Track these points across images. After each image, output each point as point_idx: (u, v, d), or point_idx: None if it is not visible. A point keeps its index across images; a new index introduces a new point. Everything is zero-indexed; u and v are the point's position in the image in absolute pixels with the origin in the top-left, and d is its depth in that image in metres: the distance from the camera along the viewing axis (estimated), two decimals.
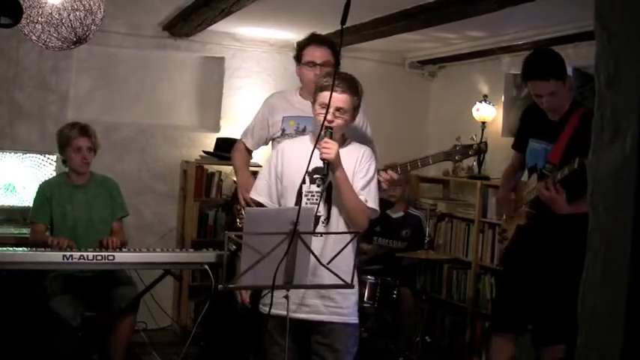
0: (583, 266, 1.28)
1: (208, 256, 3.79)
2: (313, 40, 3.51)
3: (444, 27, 4.79)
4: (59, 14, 3.01)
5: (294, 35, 5.68)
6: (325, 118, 2.74)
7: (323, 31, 5.32)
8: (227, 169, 5.44)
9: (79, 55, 5.28)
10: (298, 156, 2.95)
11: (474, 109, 5.58)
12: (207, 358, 4.74)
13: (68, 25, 3.02)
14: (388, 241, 5.24)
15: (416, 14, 4.38)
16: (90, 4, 3.05)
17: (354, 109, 2.97)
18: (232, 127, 5.65)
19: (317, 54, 3.45)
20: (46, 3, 3.00)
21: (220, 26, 5.16)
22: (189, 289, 5.53)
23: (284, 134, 3.49)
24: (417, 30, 4.84)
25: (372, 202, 2.96)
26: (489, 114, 5.54)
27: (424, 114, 6.58)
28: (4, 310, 4.16)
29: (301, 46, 3.53)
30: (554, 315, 3.40)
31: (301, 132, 3.42)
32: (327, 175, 2.79)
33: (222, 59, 5.84)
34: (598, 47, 1.27)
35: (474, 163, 5.59)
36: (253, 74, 5.89)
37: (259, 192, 3.08)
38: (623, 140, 1.18)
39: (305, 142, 3.04)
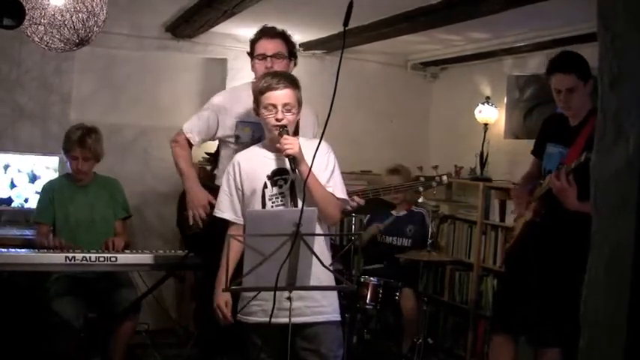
0: (585, 269, 1.27)
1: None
2: (264, 32, 3.47)
3: (447, 29, 4.79)
4: (62, 16, 3.01)
5: (297, 36, 5.67)
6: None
7: (325, 33, 5.35)
8: None
9: (82, 56, 5.28)
10: (254, 164, 3.01)
11: (476, 111, 5.57)
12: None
13: (71, 27, 3.03)
14: (393, 239, 5.25)
15: (418, 16, 4.37)
16: (92, 6, 3.05)
17: (299, 104, 2.97)
18: None
19: (268, 46, 3.42)
20: (48, 4, 3.00)
21: (223, 27, 5.16)
22: (192, 290, 5.53)
23: (238, 141, 3.43)
24: (420, 32, 4.84)
25: (340, 193, 2.99)
26: (492, 116, 5.53)
27: (426, 115, 6.58)
28: (7, 311, 4.16)
29: (253, 41, 3.49)
30: (553, 317, 3.40)
31: (257, 140, 3.34)
32: (295, 172, 2.81)
33: (224, 61, 5.84)
34: (601, 49, 1.27)
35: (477, 165, 5.59)
36: None
37: (222, 209, 3.05)
38: (626, 142, 1.17)
39: (257, 150, 3.07)
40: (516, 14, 4.02)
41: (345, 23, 2.31)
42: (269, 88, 2.90)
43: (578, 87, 3.37)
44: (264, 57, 3.40)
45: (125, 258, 3.76)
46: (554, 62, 3.46)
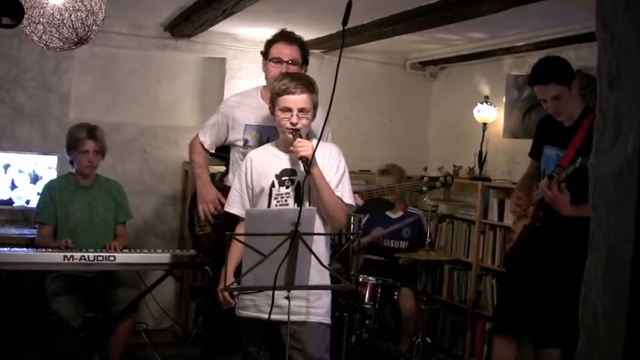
0: (584, 270, 1.27)
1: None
2: (282, 36, 3.48)
3: (445, 28, 4.78)
4: (60, 15, 3.00)
5: None
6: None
7: (324, 32, 5.35)
8: None
9: (81, 55, 5.28)
10: (265, 162, 3.05)
11: (475, 111, 5.57)
12: (207, 358, 4.73)
13: (69, 26, 3.02)
14: (390, 242, 5.24)
15: (417, 15, 4.37)
16: (91, 5, 3.05)
17: (314, 107, 3.00)
18: None
19: (285, 51, 3.43)
20: (47, 3, 3.00)
21: (221, 27, 5.16)
22: (191, 289, 5.53)
23: (247, 145, 3.47)
24: (419, 31, 4.84)
25: (348, 198, 3.00)
26: (490, 115, 5.53)
27: (425, 115, 6.58)
28: (5, 310, 4.16)
29: (270, 43, 3.49)
30: (553, 319, 3.40)
31: (264, 144, 3.40)
32: (307, 174, 2.80)
33: (223, 60, 5.84)
34: (600, 49, 1.27)
35: (476, 165, 5.59)
36: (254, 75, 5.82)
37: (231, 204, 3.12)
38: (624, 142, 1.18)
39: (270, 149, 3.11)
40: (515, 14, 4.02)
41: (344, 22, 2.31)
42: (286, 92, 2.93)
43: (562, 93, 3.35)
44: (279, 61, 3.41)
45: (123, 257, 3.76)
46: (532, 74, 3.47)
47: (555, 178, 3.28)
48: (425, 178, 3.53)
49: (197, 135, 3.70)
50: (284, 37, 3.48)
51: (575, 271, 3.16)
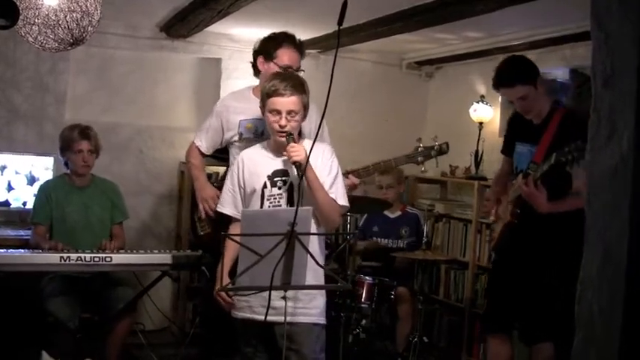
0: (567, 264, 1.28)
1: (205, 257, 3.79)
2: (289, 41, 3.46)
3: (441, 27, 4.79)
4: (56, 15, 3.00)
5: None
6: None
7: (320, 32, 5.35)
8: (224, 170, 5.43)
9: (76, 56, 5.27)
10: (257, 163, 3.05)
11: (471, 110, 5.58)
12: (205, 359, 4.73)
13: (65, 27, 3.02)
14: (388, 241, 5.24)
15: (413, 15, 4.38)
16: (87, 6, 3.04)
17: (305, 108, 3.00)
18: None
19: (294, 58, 3.44)
20: (42, 4, 2.99)
21: (217, 27, 5.16)
22: (188, 290, 5.53)
23: (242, 138, 3.48)
24: (414, 31, 4.84)
25: (342, 199, 3.01)
26: (486, 114, 5.54)
27: (422, 115, 6.58)
28: (1, 312, 4.15)
29: (276, 44, 3.46)
30: (539, 313, 3.42)
31: (260, 135, 3.42)
32: (301, 178, 2.78)
33: (219, 60, 5.84)
34: (594, 48, 1.27)
35: (472, 164, 5.60)
36: (250, 75, 5.81)
37: (224, 204, 3.12)
38: (619, 140, 1.18)
39: (261, 150, 3.11)
40: (511, 13, 4.03)
41: (340, 22, 2.31)
42: (276, 93, 2.92)
43: (528, 93, 3.39)
44: (288, 68, 3.39)
45: (120, 258, 3.75)
46: (496, 78, 3.50)
47: (531, 176, 3.30)
48: (419, 148, 3.49)
49: (192, 143, 3.74)
50: (290, 41, 3.46)
51: (555, 265, 3.18)
